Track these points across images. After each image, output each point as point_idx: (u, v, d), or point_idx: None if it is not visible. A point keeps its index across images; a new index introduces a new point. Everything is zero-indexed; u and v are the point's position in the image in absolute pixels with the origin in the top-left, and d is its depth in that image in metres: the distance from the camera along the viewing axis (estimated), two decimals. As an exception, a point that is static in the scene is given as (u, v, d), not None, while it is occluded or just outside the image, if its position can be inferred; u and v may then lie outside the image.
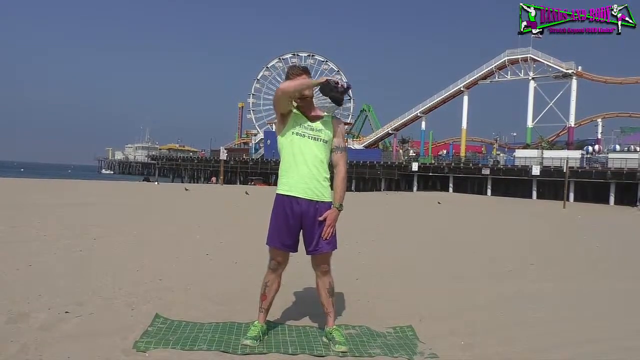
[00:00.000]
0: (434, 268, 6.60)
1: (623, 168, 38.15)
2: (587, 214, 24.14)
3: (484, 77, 53.88)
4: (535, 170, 41.81)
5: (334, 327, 3.38)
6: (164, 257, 6.35)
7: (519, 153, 46.66)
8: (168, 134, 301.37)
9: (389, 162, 53.25)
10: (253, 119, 78.47)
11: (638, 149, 39.80)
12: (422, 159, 54.47)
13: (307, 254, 3.40)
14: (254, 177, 53.81)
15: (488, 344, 3.48)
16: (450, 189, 47.14)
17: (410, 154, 57.86)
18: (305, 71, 3.36)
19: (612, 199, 37.76)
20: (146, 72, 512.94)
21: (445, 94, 56.12)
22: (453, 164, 49.54)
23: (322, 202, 3.30)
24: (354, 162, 53.45)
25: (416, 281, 5.66)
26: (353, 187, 52.90)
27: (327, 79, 3.20)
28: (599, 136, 51.05)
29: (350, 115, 76.72)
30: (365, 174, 52.89)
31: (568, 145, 47.98)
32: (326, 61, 77.52)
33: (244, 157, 65.09)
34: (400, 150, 58.99)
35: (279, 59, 78.14)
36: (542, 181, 42.38)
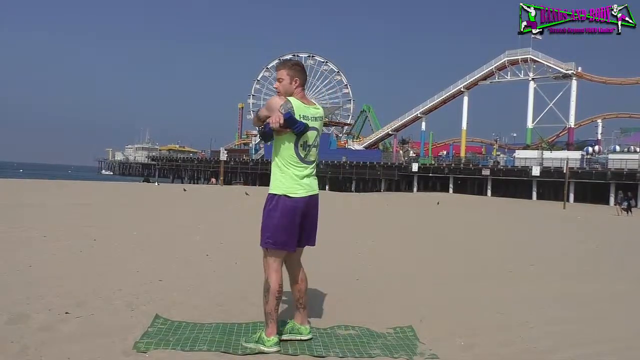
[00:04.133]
0: (434, 268, 6.60)
1: (623, 169, 38.17)
2: (587, 214, 24.14)
3: (484, 78, 53.90)
4: (535, 171, 41.82)
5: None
6: (163, 257, 6.35)
7: (519, 154, 46.66)
8: (168, 134, 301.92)
9: (389, 163, 53.28)
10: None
11: (638, 149, 39.81)
12: (422, 159, 54.47)
13: (301, 246, 3.40)
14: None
15: (488, 345, 3.48)
16: (451, 190, 47.14)
17: (411, 155, 57.89)
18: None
19: (612, 200, 37.74)
20: (146, 72, 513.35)
21: (445, 94, 56.16)
22: (453, 165, 49.55)
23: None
24: (354, 162, 53.50)
25: (416, 281, 5.66)
26: (353, 188, 52.96)
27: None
28: (599, 137, 51.05)
29: (350, 116, 76.76)
30: (366, 174, 52.92)
31: (568, 146, 47.99)
32: (326, 62, 77.56)
33: (244, 157, 65.15)
34: (401, 151, 59.00)
35: (279, 59, 77.89)
36: (542, 182, 42.40)
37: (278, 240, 3.21)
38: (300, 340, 3.33)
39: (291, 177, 3.21)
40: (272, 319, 3.23)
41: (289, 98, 3.21)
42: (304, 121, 3.16)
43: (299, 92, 3.28)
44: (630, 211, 24.94)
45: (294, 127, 3.11)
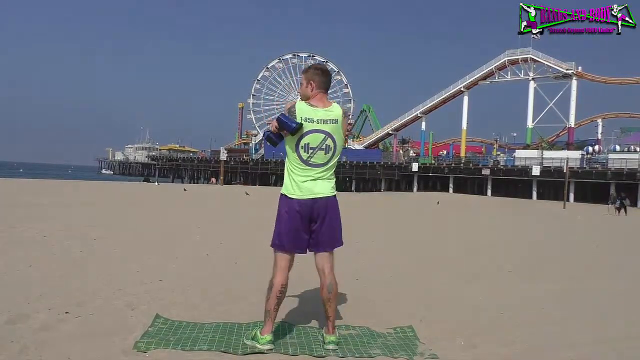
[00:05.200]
0: (433, 268, 6.60)
1: (623, 168, 38.15)
2: (587, 214, 24.14)
3: (484, 78, 53.89)
4: (536, 171, 41.80)
5: None
6: (164, 257, 6.35)
7: (519, 153, 46.65)
8: (168, 134, 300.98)
9: (389, 163, 53.27)
10: (253, 119, 78.46)
11: (638, 149, 39.79)
12: (422, 159, 54.46)
13: (314, 251, 3.36)
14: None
15: (488, 344, 3.48)
16: (451, 190, 47.13)
17: (411, 155, 57.87)
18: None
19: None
20: (146, 72, 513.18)
21: (445, 94, 56.16)
22: (453, 165, 49.54)
23: None
24: (354, 162, 53.47)
25: (416, 281, 5.66)
26: (353, 188, 52.95)
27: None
28: (599, 136, 51.05)
29: (350, 116, 76.48)
30: (365, 174, 52.93)
31: (568, 146, 47.97)
32: (326, 62, 77.44)
33: (244, 157, 65.17)
34: (401, 151, 58.99)
35: (279, 59, 78.11)
36: (542, 181, 42.38)
37: (276, 240, 3.29)
38: (326, 349, 3.24)
39: (292, 179, 3.26)
40: (269, 317, 3.26)
41: (297, 102, 3.27)
42: (307, 123, 3.19)
43: (316, 94, 3.30)
44: (625, 211, 24.84)
45: (284, 128, 3.18)
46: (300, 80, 3.41)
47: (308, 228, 3.26)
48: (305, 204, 3.22)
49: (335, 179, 3.39)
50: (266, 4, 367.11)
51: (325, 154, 3.25)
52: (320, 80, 3.31)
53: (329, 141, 3.24)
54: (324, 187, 3.28)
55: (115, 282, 4.74)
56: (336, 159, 3.34)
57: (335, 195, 3.34)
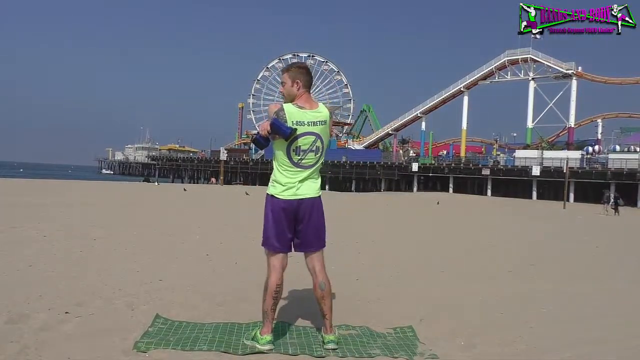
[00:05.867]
0: (433, 268, 6.60)
1: (623, 168, 38.16)
2: (587, 214, 24.14)
3: (484, 78, 53.90)
4: (536, 171, 41.81)
5: None
6: (164, 257, 6.36)
7: (519, 153, 46.65)
8: (168, 134, 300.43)
9: (389, 163, 53.27)
10: (253, 119, 78.59)
11: (638, 149, 39.79)
12: (422, 159, 54.46)
13: (300, 251, 3.39)
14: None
15: (488, 344, 3.48)
16: (451, 190, 47.14)
17: (411, 155, 57.88)
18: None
19: (611, 200, 37.71)
20: (146, 72, 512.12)
21: (445, 94, 56.19)
22: (453, 165, 49.54)
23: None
24: (354, 162, 53.50)
25: (416, 281, 5.66)
26: (353, 188, 52.96)
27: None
28: (599, 136, 51.05)
29: (350, 116, 76.76)
30: (365, 174, 52.94)
31: (568, 146, 47.97)
32: (326, 62, 77.58)
33: (244, 157, 65.21)
34: (401, 151, 58.98)
35: (279, 59, 78.18)
36: (542, 181, 42.39)
37: (265, 239, 3.30)
38: (326, 349, 3.25)
39: (280, 181, 3.26)
40: (267, 318, 3.27)
41: (285, 105, 3.23)
42: (298, 127, 3.16)
43: (302, 94, 3.26)
44: (618, 211, 24.79)
45: (278, 133, 3.15)
46: (282, 80, 3.32)
47: (293, 228, 3.28)
48: (291, 204, 3.23)
49: (320, 179, 3.39)
50: (266, 4, 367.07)
51: (315, 155, 3.26)
52: (305, 79, 3.28)
53: (318, 142, 3.25)
54: (311, 188, 3.28)
55: (115, 282, 4.74)
56: (323, 159, 3.35)
57: (320, 196, 3.35)
